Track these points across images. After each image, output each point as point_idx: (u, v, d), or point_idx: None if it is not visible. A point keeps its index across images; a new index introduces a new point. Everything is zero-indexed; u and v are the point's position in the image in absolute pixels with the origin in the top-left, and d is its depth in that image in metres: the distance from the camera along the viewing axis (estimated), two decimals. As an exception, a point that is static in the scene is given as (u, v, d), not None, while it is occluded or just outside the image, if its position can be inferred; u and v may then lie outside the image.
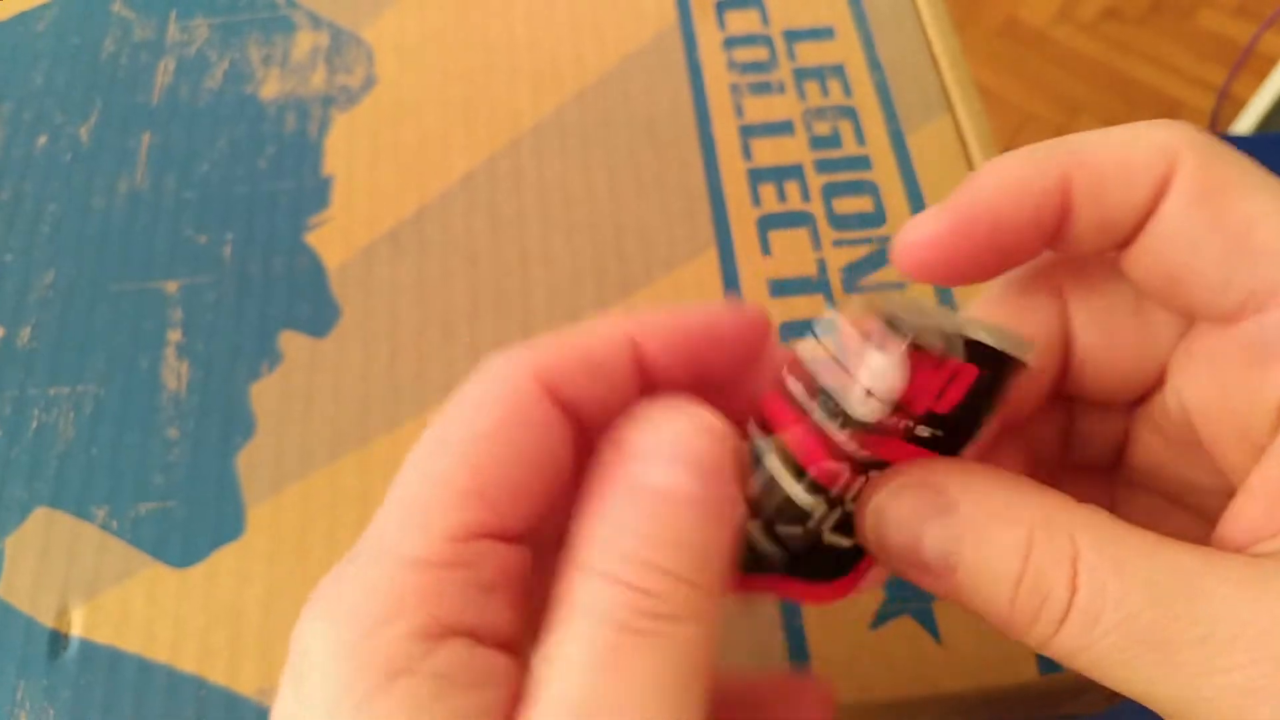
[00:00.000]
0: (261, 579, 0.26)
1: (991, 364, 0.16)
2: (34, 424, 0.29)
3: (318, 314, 0.30)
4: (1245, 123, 0.92)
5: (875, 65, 0.34)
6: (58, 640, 0.26)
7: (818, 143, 0.32)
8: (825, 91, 0.33)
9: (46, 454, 0.28)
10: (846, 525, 0.17)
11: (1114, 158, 0.16)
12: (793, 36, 0.35)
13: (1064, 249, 0.17)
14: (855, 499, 0.17)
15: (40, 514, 0.27)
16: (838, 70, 0.34)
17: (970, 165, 0.31)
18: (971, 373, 0.16)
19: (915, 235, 0.17)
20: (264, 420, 0.28)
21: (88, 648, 0.26)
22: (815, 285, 0.30)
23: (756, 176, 0.32)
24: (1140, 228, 0.16)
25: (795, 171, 0.32)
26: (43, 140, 0.34)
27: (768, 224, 0.31)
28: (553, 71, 0.34)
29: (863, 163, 0.32)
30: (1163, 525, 0.15)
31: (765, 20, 0.35)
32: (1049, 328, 0.18)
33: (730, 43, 0.35)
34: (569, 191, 0.32)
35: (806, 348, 0.17)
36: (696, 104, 0.33)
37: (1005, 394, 0.17)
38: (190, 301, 0.30)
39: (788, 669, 0.22)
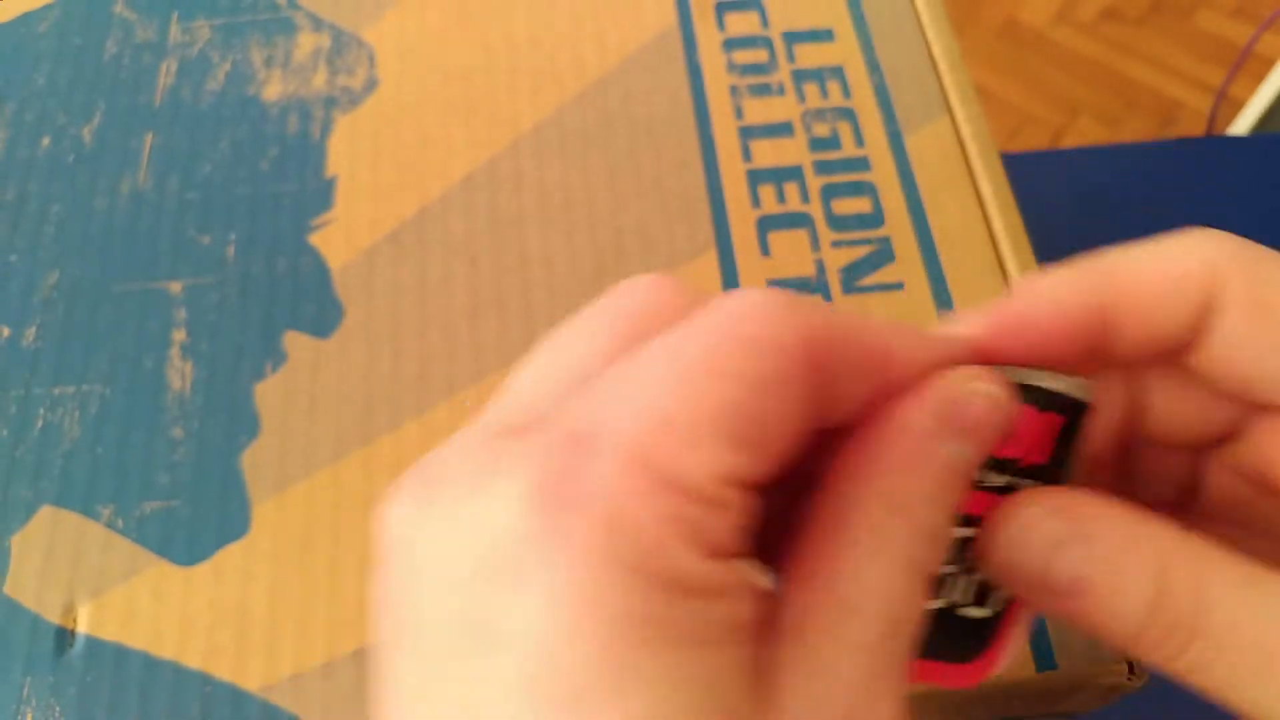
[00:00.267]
0: (266, 577, 0.26)
1: (1066, 410, 0.17)
2: (39, 423, 0.29)
3: (321, 314, 0.30)
4: (1243, 123, 0.92)
5: (874, 67, 0.34)
6: (64, 637, 0.26)
7: (817, 144, 0.32)
8: (824, 93, 0.33)
9: (52, 453, 0.28)
10: (978, 594, 0.17)
11: (1154, 280, 0.17)
12: (792, 38, 0.35)
13: (1110, 363, 0.18)
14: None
15: (46, 512, 0.28)
16: (837, 72, 0.34)
17: (969, 166, 0.32)
18: (1057, 421, 0.16)
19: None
20: (268, 420, 0.29)
21: (94, 645, 0.26)
22: (814, 286, 0.30)
23: (756, 178, 0.32)
24: (1190, 341, 0.17)
25: (794, 173, 0.32)
26: (46, 141, 0.34)
27: (767, 225, 0.31)
28: (553, 73, 0.34)
29: (861, 164, 0.32)
30: (1246, 552, 0.16)
31: (765, 22, 0.35)
32: (1119, 379, 0.19)
33: (730, 44, 0.35)
34: (569, 192, 0.32)
35: None
36: (696, 105, 0.33)
37: (1084, 437, 0.17)
38: (194, 302, 0.31)
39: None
